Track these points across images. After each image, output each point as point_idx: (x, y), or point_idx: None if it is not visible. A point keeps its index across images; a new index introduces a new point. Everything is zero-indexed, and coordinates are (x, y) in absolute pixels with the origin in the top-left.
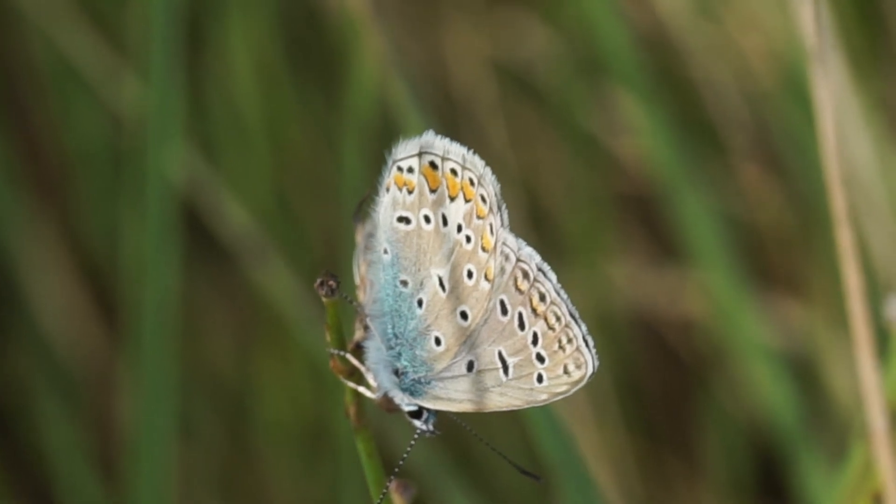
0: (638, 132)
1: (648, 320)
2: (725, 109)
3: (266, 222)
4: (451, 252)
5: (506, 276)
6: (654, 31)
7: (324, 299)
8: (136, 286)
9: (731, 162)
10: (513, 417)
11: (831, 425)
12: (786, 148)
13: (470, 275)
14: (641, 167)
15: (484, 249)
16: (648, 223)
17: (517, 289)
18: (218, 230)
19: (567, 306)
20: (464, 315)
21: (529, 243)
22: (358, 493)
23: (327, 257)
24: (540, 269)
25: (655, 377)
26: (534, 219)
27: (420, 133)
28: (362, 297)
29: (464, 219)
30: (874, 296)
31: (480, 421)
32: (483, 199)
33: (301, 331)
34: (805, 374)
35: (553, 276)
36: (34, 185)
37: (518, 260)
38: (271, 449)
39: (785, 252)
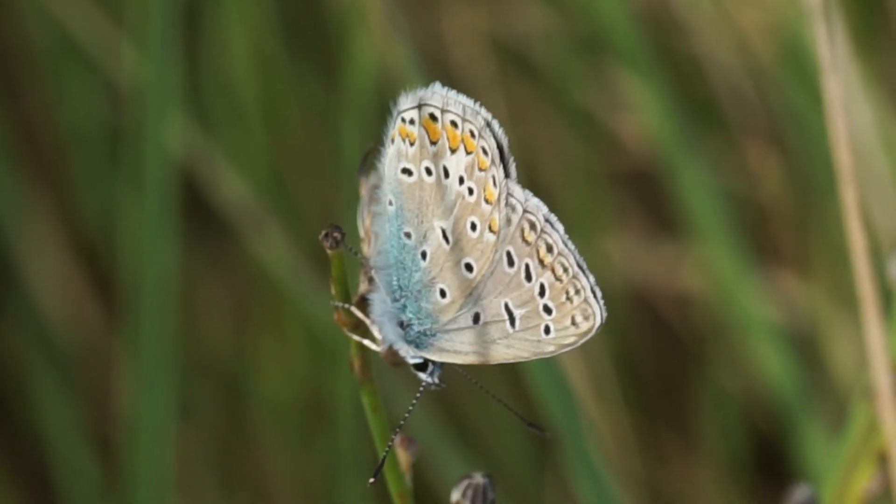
0: (637, 108)
1: (646, 296)
2: (725, 84)
3: (263, 194)
4: (454, 204)
5: (512, 228)
6: (653, 6)
7: (328, 251)
8: (134, 264)
9: (731, 137)
10: (513, 375)
11: (831, 400)
12: (786, 123)
13: (473, 227)
14: (640, 143)
15: (487, 201)
16: (647, 199)
17: (524, 240)
18: (216, 205)
19: (575, 257)
20: (468, 267)
21: None
22: (356, 469)
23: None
24: (547, 220)
25: (653, 353)
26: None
27: (424, 85)
28: (367, 249)
29: (465, 171)
30: (877, 261)
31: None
32: (484, 151)
33: (299, 305)
34: (805, 349)
35: (560, 227)
36: (30, 162)
37: (525, 211)
38: (269, 426)
39: (785, 227)
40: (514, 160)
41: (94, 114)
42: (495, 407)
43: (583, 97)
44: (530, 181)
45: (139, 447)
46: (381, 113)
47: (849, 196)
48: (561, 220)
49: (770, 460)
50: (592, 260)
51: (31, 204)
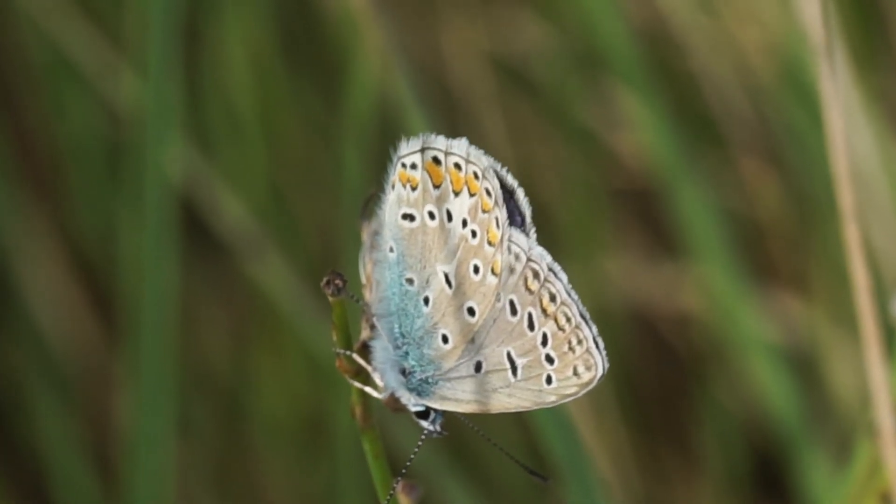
0: (636, 126)
1: (646, 315)
2: (724, 103)
3: (263, 217)
4: (457, 248)
5: (516, 276)
6: (652, 25)
7: (330, 298)
8: (134, 282)
9: (729, 156)
10: (518, 416)
11: (831, 421)
12: (785, 142)
13: (476, 270)
14: (639, 161)
15: (490, 243)
16: (646, 218)
17: (527, 289)
18: (215, 225)
19: (577, 307)
20: (471, 311)
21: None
22: (355, 489)
23: (324, 252)
24: (551, 270)
25: (653, 373)
26: (531, 213)
27: (423, 130)
28: (368, 296)
29: (469, 213)
30: (878, 292)
31: (485, 418)
32: (488, 193)
33: (298, 325)
34: (805, 369)
35: (564, 277)
36: (29, 179)
37: (529, 260)
38: (268, 444)
39: (784, 246)
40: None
41: (93, 130)
42: (504, 446)
43: (581, 114)
44: (529, 199)
45: (138, 464)
46: (382, 134)
47: (852, 236)
48: (560, 238)
49: (770, 479)
50: (592, 278)
51: (29, 220)
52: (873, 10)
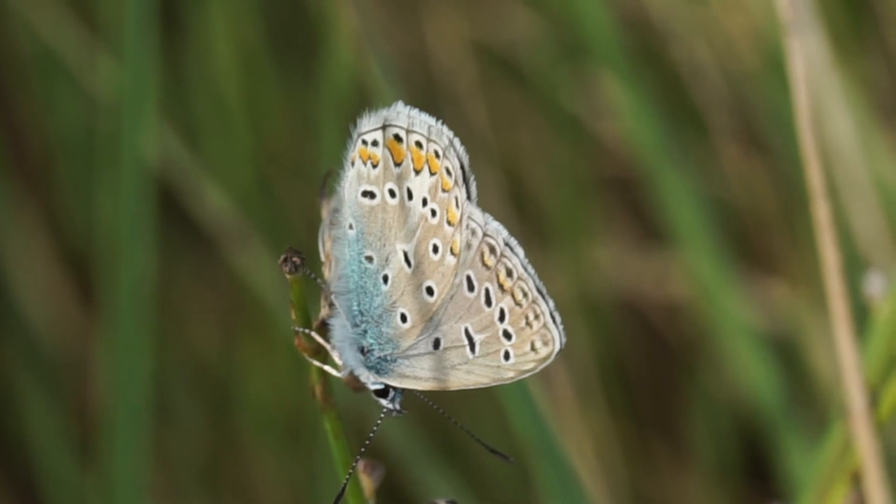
0: (620, 114)
1: (632, 303)
2: (708, 91)
3: (246, 205)
4: (417, 226)
5: (472, 252)
6: (637, 13)
7: (288, 276)
8: (110, 268)
9: (713, 143)
10: (490, 396)
11: (814, 405)
12: (768, 129)
13: (436, 249)
14: (624, 149)
15: (450, 223)
16: (632, 205)
17: (484, 264)
18: (199, 214)
19: (534, 281)
20: (430, 291)
21: (511, 226)
22: (340, 478)
23: (309, 241)
24: (507, 245)
25: (639, 360)
26: (516, 201)
27: (387, 105)
28: (327, 273)
29: (429, 192)
30: (856, 272)
31: (459, 400)
32: (448, 172)
33: (283, 315)
34: (788, 354)
35: (520, 252)
36: (15, 170)
37: (485, 235)
38: (254, 433)
39: (768, 233)
40: (495, 179)
41: (79, 122)
42: (479, 423)
43: (567, 103)
44: (514, 187)
45: (116, 450)
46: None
47: (822, 213)
48: (546, 226)
49: (759, 467)
50: (579, 266)
51: (17, 213)
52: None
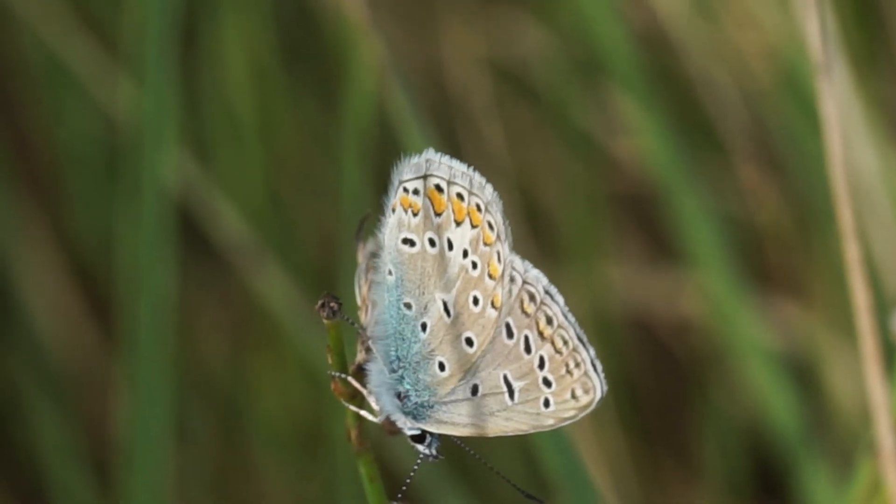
0: (635, 132)
1: (645, 321)
2: (723, 109)
3: (261, 225)
4: (457, 277)
5: (512, 299)
6: (652, 30)
7: (325, 321)
8: (131, 289)
9: (729, 162)
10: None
11: (831, 428)
12: (784, 147)
13: (476, 301)
14: (638, 167)
15: (491, 277)
16: (645, 224)
17: (523, 311)
18: (213, 234)
19: (575, 329)
20: (469, 342)
21: (525, 244)
22: (353, 498)
23: (323, 261)
24: (547, 292)
25: (652, 379)
26: (530, 219)
27: (422, 149)
28: (364, 318)
29: (470, 244)
30: (879, 305)
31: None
32: (490, 226)
33: (296, 335)
34: (804, 376)
35: (560, 300)
36: (27, 185)
37: (524, 282)
38: (266, 452)
39: (783, 253)
40: (508, 197)
41: (91, 137)
42: (505, 465)
43: (581, 120)
44: (528, 205)
45: (136, 472)
46: (381, 143)
47: (852, 253)
48: (559, 244)
49: (770, 488)
50: (591, 284)
51: (27, 226)
52: (873, 17)
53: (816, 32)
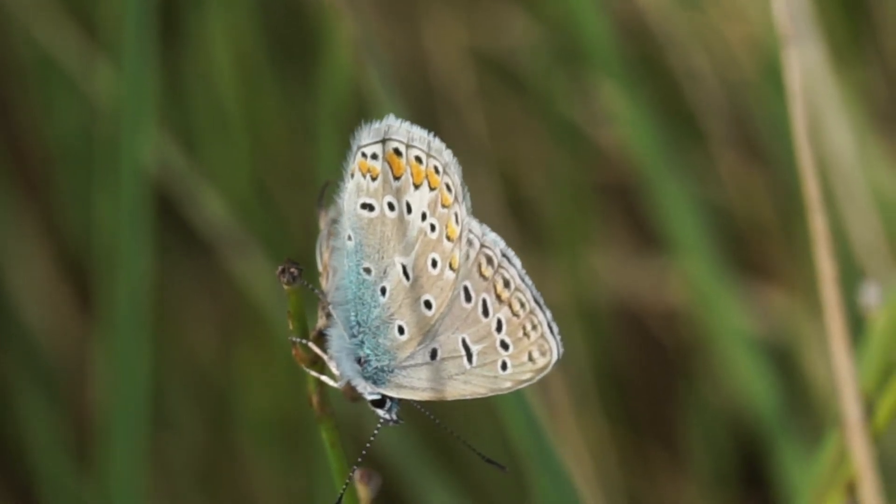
0: (619, 121)
1: (630, 309)
2: (706, 98)
3: (245, 212)
4: (415, 240)
5: (469, 263)
6: (635, 21)
7: (285, 287)
8: (109, 274)
9: (711, 151)
10: (487, 405)
11: (810, 412)
12: (766, 136)
13: (434, 264)
14: (622, 156)
15: (449, 238)
16: (630, 212)
17: (481, 275)
18: (197, 221)
19: (531, 292)
20: (427, 304)
21: (510, 233)
22: (339, 485)
23: (308, 248)
24: (504, 255)
25: (637, 367)
26: (514, 208)
27: (384, 117)
28: (325, 284)
29: (428, 207)
30: (853, 282)
31: (455, 408)
32: (448, 188)
33: (280, 322)
34: (786, 362)
35: (517, 262)
36: (15, 176)
37: (482, 246)
38: (252, 440)
39: (765, 240)
40: (493, 186)
41: (79, 128)
42: (475, 431)
43: (565, 110)
44: (512, 194)
45: (113, 455)
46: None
47: (818, 225)
48: (544, 233)
49: (756, 474)
50: (577, 273)
51: (17, 218)
52: (857, 5)
53: (784, 4)
